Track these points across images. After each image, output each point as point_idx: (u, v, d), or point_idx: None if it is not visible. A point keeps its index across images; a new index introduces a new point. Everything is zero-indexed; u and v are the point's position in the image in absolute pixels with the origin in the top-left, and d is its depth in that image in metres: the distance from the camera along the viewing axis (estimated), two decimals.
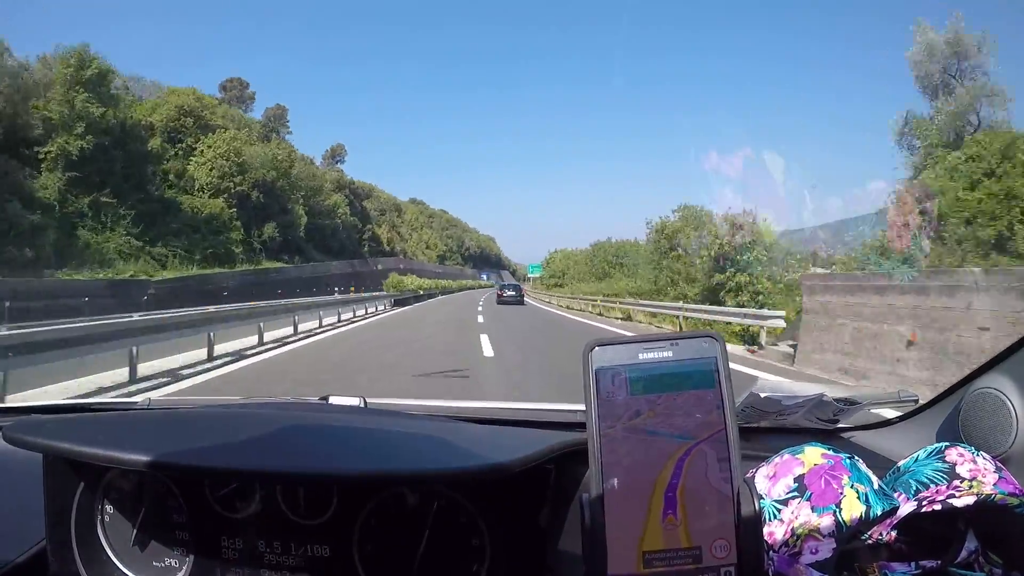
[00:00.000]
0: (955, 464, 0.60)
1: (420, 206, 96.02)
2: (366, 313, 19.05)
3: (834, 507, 0.55)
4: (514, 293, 29.56)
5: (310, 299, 15.83)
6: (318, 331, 12.38)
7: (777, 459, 0.62)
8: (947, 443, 0.64)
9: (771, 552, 0.56)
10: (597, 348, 0.52)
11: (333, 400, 1.04)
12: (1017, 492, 0.57)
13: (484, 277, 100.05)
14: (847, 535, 0.55)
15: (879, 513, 0.56)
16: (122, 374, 6.10)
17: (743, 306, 13.00)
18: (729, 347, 0.58)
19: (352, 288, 31.56)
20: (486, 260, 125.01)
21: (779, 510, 0.57)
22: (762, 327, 10.36)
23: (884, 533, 0.59)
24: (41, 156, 23.33)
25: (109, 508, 0.84)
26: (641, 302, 18.02)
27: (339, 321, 15.01)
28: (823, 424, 0.96)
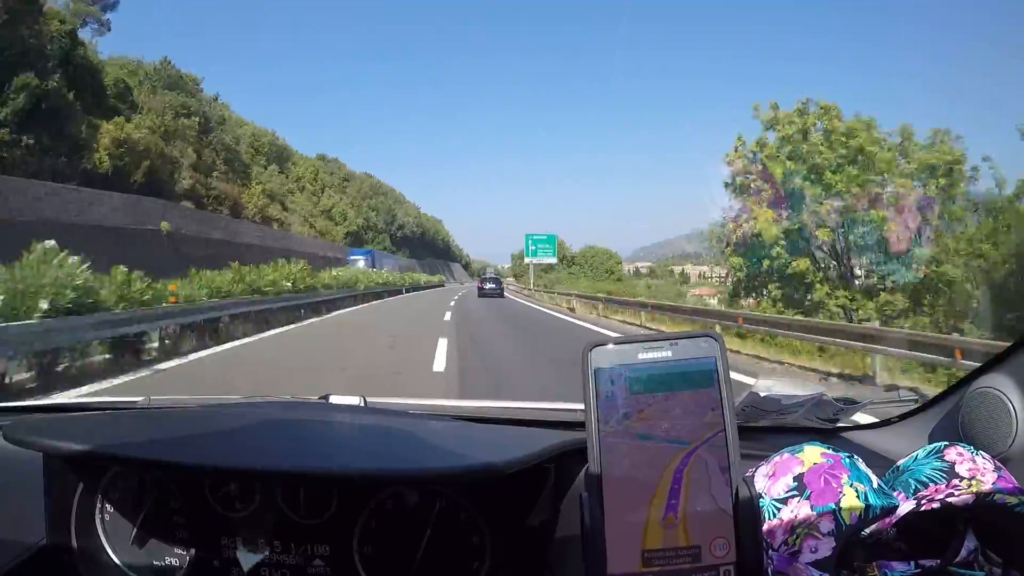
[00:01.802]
0: (954, 463, 0.60)
1: (332, 164, 63.66)
2: None
3: (833, 506, 0.55)
4: (494, 286, 31.04)
5: None
6: None
7: (776, 458, 0.62)
8: (946, 442, 0.64)
9: (770, 551, 0.56)
10: (596, 348, 0.52)
11: (333, 399, 1.04)
12: (1016, 491, 0.57)
13: (361, 259, 42.28)
14: (846, 534, 0.55)
15: (878, 512, 0.56)
16: None
17: None
18: None
19: None
20: (430, 247, 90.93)
21: (778, 509, 0.57)
22: None
23: (883, 532, 0.59)
24: None
25: (109, 507, 0.84)
26: None
27: None
28: (823, 423, 0.96)
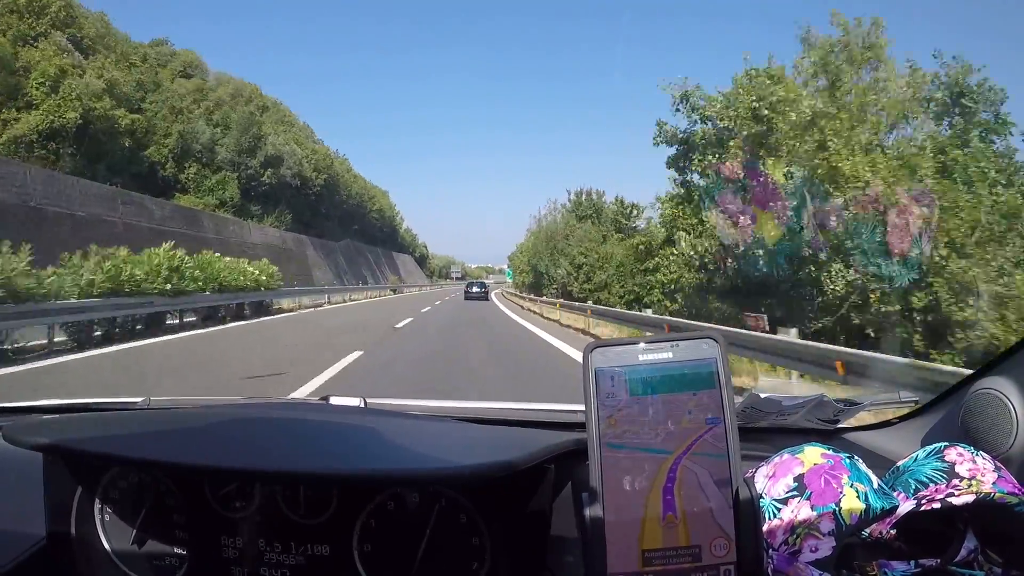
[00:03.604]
0: (954, 463, 0.60)
1: (169, 51, 33.97)
2: None
3: (834, 506, 0.55)
4: (479, 290, 31.78)
5: None
6: None
7: (777, 459, 0.62)
8: (946, 443, 0.64)
9: (771, 551, 0.56)
10: (597, 349, 0.52)
11: (333, 400, 1.04)
12: (1016, 491, 0.57)
13: None
14: (847, 534, 0.55)
15: (879, 512, 0.56)
16: None
17: None
18: None
19: None
20: (356, 222, 52.08)
21: (779, 509, 0.57)
22: None
23: (884, 532, 0.59)
24: None
25: (109, 507, 0.84)
26: None
27: None
28: (823, 424, 0.96)
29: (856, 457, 0.61)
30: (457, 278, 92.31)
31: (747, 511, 0.49)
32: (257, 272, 15.26)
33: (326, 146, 47.21)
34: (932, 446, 0.64)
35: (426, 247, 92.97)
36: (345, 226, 49.32)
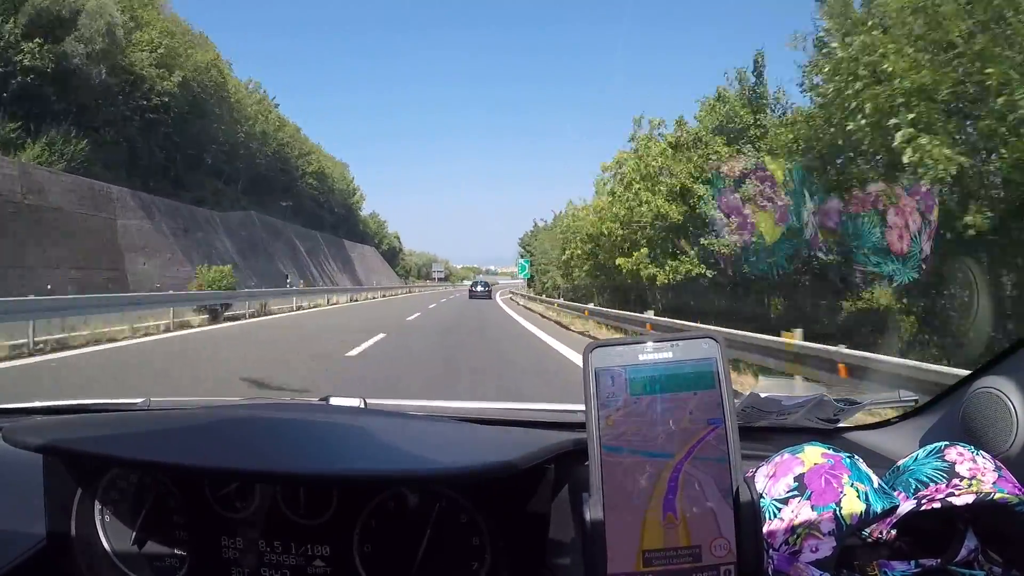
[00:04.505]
0: (954, 463, 0.60)
1: None
2: None
3: (834, 506, 0.55)
4: (482, 288, 33.48)
5: None
6: None
7: (777, 458, 0.62)
8: (946, 442, 0.64)
9: (771, 551, 0.56)
10: (597, 349, 0.52)
11: (333, 401, 1.04)
12: (1016, 491, 0.57)
13: None
14: (847, 533, 0.55)
15: (879, 511, 0.56)
16: None
17: None
18: None
19: None
20: (291, 194, 34.31)
21: (779, 509, 0.57)
22: None
23: (884, 531, 0.59)
24: None
25: (109, 508, 0.84)
26: None
27: None
28: (823, 424, 0.96)
29: (856, 457, 0.61)
30: (440, 279, 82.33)
31: (747, 511, 0.49)
32: None
33: (219, 55, 26.46)
34: (932, 446, 0.64)
35: (399, 238, 74.13)
36: (262, 194, 31.02)
